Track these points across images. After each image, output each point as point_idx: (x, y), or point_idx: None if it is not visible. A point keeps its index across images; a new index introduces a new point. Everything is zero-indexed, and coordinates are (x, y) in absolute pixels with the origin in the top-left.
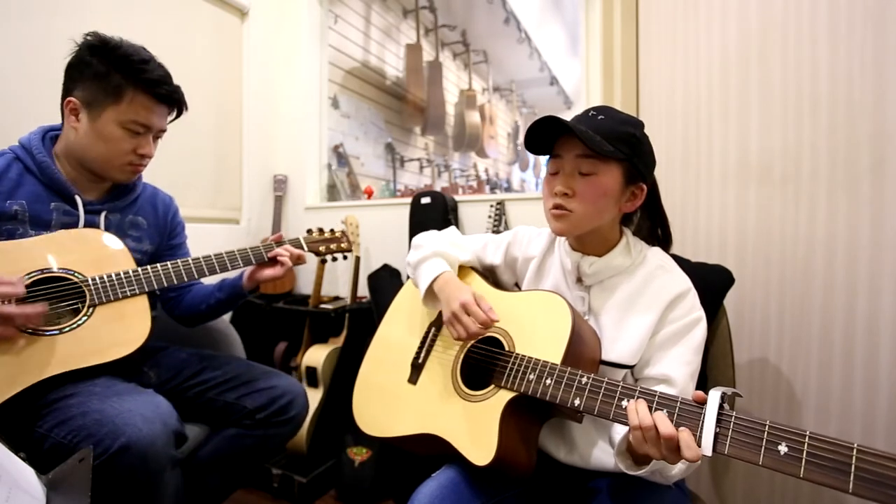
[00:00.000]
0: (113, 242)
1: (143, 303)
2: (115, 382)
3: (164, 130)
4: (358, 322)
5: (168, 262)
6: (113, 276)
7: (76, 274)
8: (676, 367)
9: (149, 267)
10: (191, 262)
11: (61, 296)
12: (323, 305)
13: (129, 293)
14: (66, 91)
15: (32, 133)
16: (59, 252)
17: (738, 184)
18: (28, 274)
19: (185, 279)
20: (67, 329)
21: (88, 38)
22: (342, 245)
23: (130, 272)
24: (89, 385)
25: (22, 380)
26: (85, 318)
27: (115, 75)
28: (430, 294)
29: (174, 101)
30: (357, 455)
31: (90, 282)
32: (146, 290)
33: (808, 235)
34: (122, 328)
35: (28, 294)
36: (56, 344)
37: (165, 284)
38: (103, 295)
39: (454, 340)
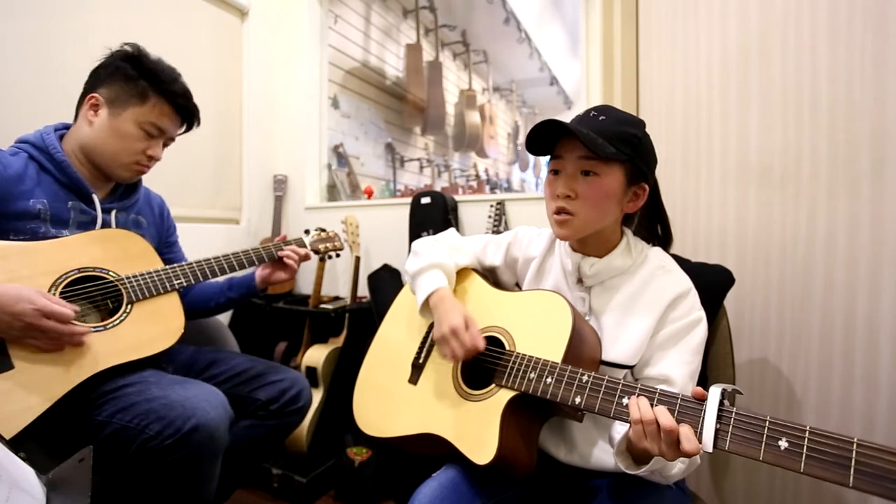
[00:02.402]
0: (140, 242)
1: (175, 299)
2: (162, 374)
3: (173, 139)
4: (358, 322)
5: (192, 261)
6: (146, 274)
7: (110, 273)
8: (676, 367)
9: (176, 266)
10: (212, 260)
11: (97, 294)
12: (323, 305)
13: (161, 290)
14: (91, 88)
15: (44, 132)
16: (92, 252)
17: (738, 184)
18: (66, 273)
19: (209, 276)
20: (111, 326)
21: (126, 47)
22: (336, 244)
23: (161, 270)
24: (140, 377)
25: (76, 375)
26: (125, 315)
27: (142, 81)
28: (426, 307)
29: (189, 115)
30: (357, 455)
31: (125, 280)
32: (176, 287)
33: (808, 235)
34: (161, 323)
35: (66, 293)
36: (102, 340)
37: (193, 281)
38: (139, 292)
39: None
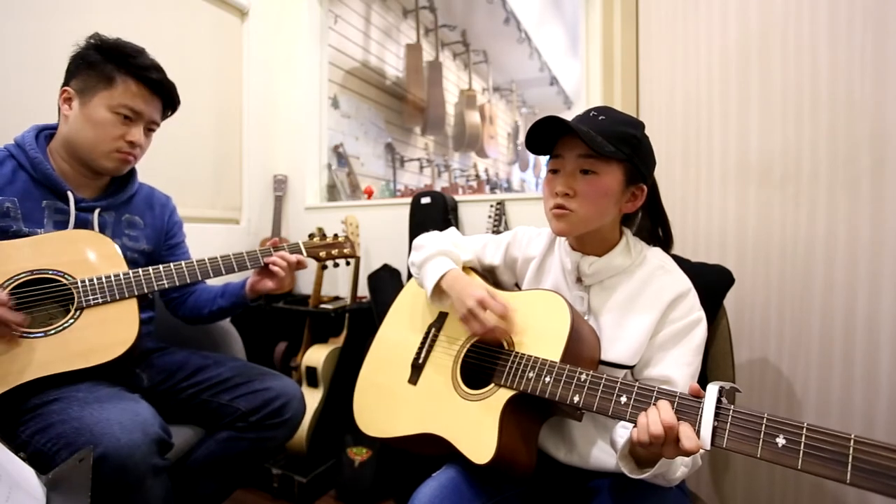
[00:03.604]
0: (105, 244)
1: (131, 306)
2: (98, 387)
3: (156, 123)
4: (358, 322)
5: (160, 266)
6: (103, 278)
7: (66, 276)
8: (677, 368)
9: (140, 270)
10: (183, 265)
11: (50, 298)
12: (323, 305)
13: (117, 296)
14: (66, 81)
15: (26, 131)
16: (51, 253)
17: (738, 184)
18: (16, 275)
19: (177, 283)
20: (53, 332)
21: (91, 40)
22: (344, 251)
23: (121, 275)
24: (72, 390)
25: (2, 383)
26: (71, 320)
27: (108, 64)
28: (438, 292)
29: (165, 90)
30: (357, 455)
31: (79, 284)
32: (135, 293)
33: (808, 235)
34: (108, 332)
35: (16, 295)
36: (40, 347)
37: (156, 288)
38: (91, 297)
39: (454, 341)
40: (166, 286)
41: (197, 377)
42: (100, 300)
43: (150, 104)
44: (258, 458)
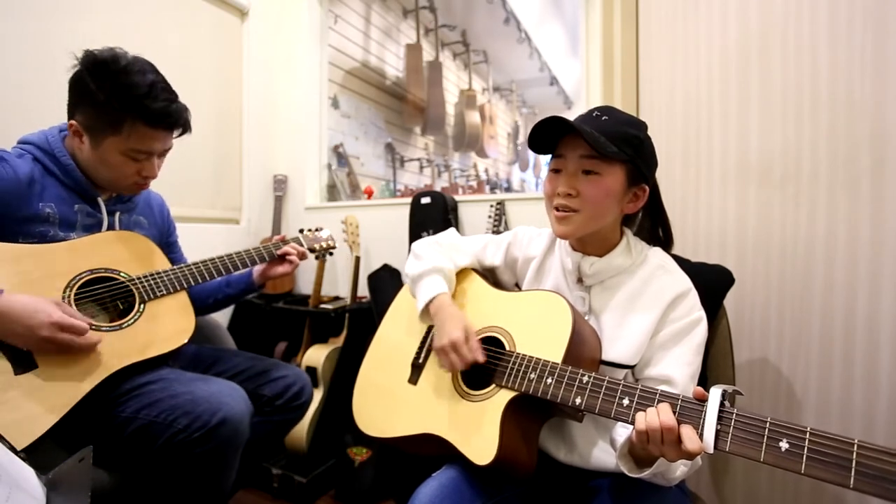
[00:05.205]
0: (146, 243)
1: (184, 297)
2: (181, 372)
3: (168, 149)
4: (358, 322)
5: (199, 261)
6: (156, 274)
7: (121, 273)
8: (677, 368)
9: (183, 265)
10: (217, 260)
11: (109, 295)
12: (323, 305)
13: (172, 290)
14: (70, 110)
15: (48, 134)
16: (103, 253)
17: (738, 184)
18: (78, 275)
19: (215, 276)
20: (126, 325)
21: (89, 65)
22: (329, 243)
23: (170, 271)
24: (159, 374)
25: (97, 374)
26: (138, 314)
27: (114, 103)
28: (426, 313)
29: (175, 126)
30: (357, 455)
31: (137, 281)
32: (185, 286)
33: (808, 235)
34: (172, 322)
35: (80, 294)
36: (118, 340)
37: (200, 281)
38: (151, 292)
39: None
40: (208, 279)
41: (216, 368)
42: (158, 294)
43: (161, 140)
44: (278, 439)
